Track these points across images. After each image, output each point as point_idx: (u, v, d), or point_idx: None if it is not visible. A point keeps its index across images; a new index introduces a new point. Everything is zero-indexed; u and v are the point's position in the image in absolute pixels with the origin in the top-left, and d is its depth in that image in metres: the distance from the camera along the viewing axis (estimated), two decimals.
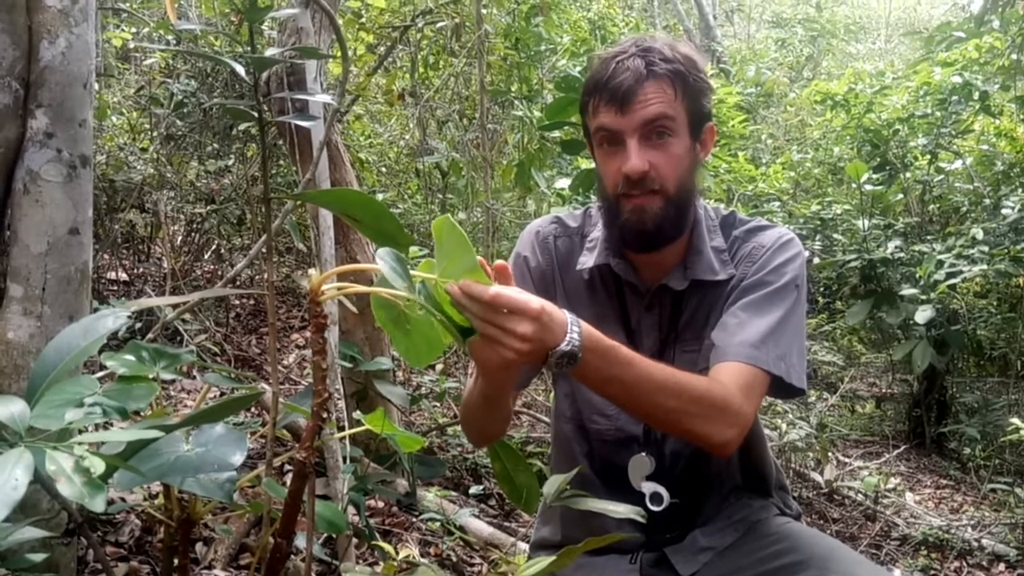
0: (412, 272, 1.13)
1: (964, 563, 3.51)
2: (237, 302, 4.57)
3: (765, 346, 1.39)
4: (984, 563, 3.52)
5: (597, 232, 1.58)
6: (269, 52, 1.37)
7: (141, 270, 4.49)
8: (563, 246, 1.61)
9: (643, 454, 1.54)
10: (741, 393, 1.36)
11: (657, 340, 1.54)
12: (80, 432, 0.94)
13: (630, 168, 1.40)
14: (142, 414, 1.49)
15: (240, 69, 1.38)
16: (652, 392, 1.28)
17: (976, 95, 4.98)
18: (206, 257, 4.66)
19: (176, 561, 1.38)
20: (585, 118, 1.51)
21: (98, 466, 0.83)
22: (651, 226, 1.44)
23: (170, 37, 4.18)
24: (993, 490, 4.32)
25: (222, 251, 4.56)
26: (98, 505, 0.80)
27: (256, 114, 1.31)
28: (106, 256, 4.11)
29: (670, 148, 1.41)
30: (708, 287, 1.50)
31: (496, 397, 1.42)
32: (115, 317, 1.14)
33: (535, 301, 1.13)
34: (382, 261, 1.06)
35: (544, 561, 1.20)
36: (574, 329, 1.19)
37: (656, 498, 1.52)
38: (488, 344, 1.15)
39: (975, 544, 3.61)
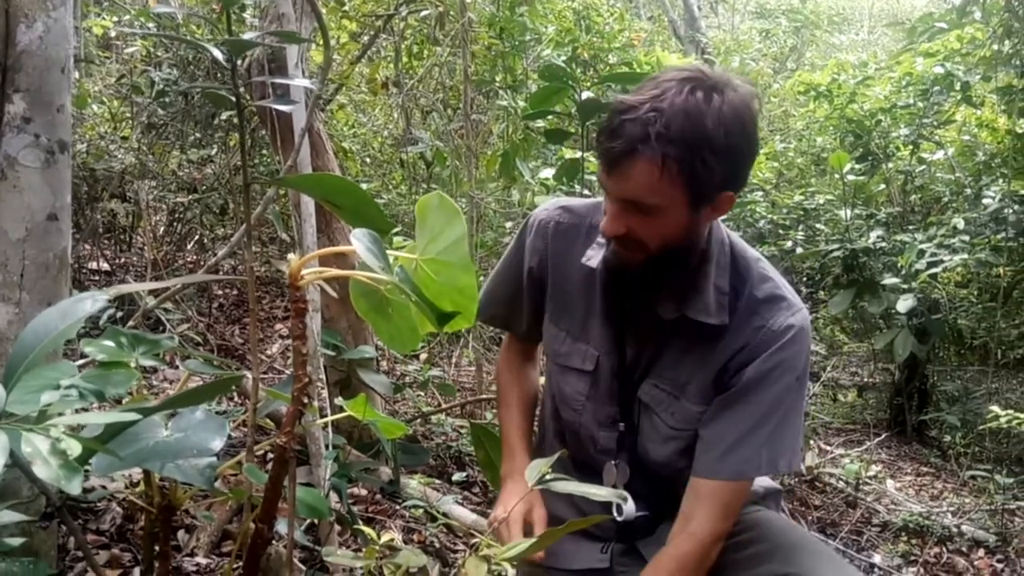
0: (390, 253, 1.13)
1: (944, 549, 3.54)
2: (220, 292, 4.55)
3: (758, 456, 1.41)
4: (964, 549, 3.56)
5: None
6: (247, 36, 1.36)
7: (123, 260, 4.46)
8: (567, 234, 1.57)
9: (614, 463, 1.56)
10: (716, 521, 1.42)
11: (636, 355, 1.52)
12: (57, 415, 0.94)
13: (604, 229, 1.38)
14: (123, 401, 1.48)
15: (218, 53, 1.38)
16: None
17: (958, 86, 5.01)
18: (189, 247, 4.63)
19: (158, 548, 1.37)
20: None
21: (74, 448, 0.82)
22: (628, 274, 1.42)
23: (151, 25, 4.14)
24: (973, 477, 4.37)
25: (205, 241, 4.53)
26: (74, 487, 0.80)
27: (234, 98, 1.30)
28: (87, 246, 4.08)
29: (653, 220, 1.32)
30: (699, 328, 1.43)
31: None
32: (93, 300, 1.13)
33: None
34: (357, 241, 1.06)
35: (525, 543, 1.21)
36: None
37: (620, 509, 1.53)
38: None
39: (955, 530, 3.65)
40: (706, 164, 1.25)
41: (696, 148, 1.24)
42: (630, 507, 1.53)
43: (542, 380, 1.81)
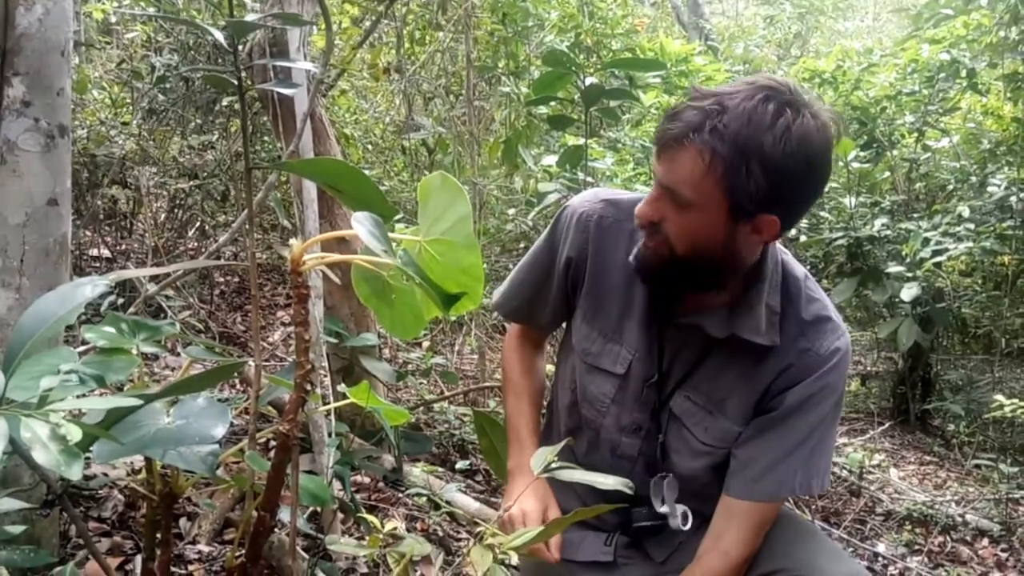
0: (393, 236, 1.11)
1: (948, 538, 3.53)
2: (221, 279, 4.54)
3: (793, 478, 1.41)
4: (968, 538, 3.55)
5: None
6: (249, 18, 1.34)
7: (124, 246, 4.44)
8: (608, 230, 1.51)
9: (670, 476, 1.52)
10: (746, 541, 1.42)
11: (671, 364, 1.49)
12: (58, 401, 0.92)
13: (636, 211, 1.34)
14: (124, 388, 1.47)
15: (219, 35, 1.36)
16: None
17: (964, 73, 4.97)
18: (190, 234, 4.61)
19: (159, 536, 1.36)
20: None
21: (74, 434, 0.81)
22: (652, 270, 1.38)
23: (151, 9, 4.11)
24: (977, 466, 4.36)
25: (206, 227, 4.52)
26: (74, 473, 0.79)
27: (236, 81, 1.28)
28: (88, 232, 4.07)
29: (688, 215, 1.27)
30: (745, 346, 1.40)
31: None
32: (93, 285, 1.12)
33: None
34: (359, 225, 1.04)
35: (531, 531, 1.20)
36: None
37: (685, 518, 1.51)
38: None
39: (959, 519, 3.64)
40: (751, 174, 1.20)
41: (746, 154, 1.19)
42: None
43: (550, 368, 1.80)
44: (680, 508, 1.50)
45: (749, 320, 1.39)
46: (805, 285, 1.44)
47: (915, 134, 5.25)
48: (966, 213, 4.52)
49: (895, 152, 5.37)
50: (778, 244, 1.45)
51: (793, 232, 5.17)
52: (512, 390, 1.70)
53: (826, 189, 1.32)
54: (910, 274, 4.44)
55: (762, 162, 1.19)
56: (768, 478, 1.41)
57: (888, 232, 4.86)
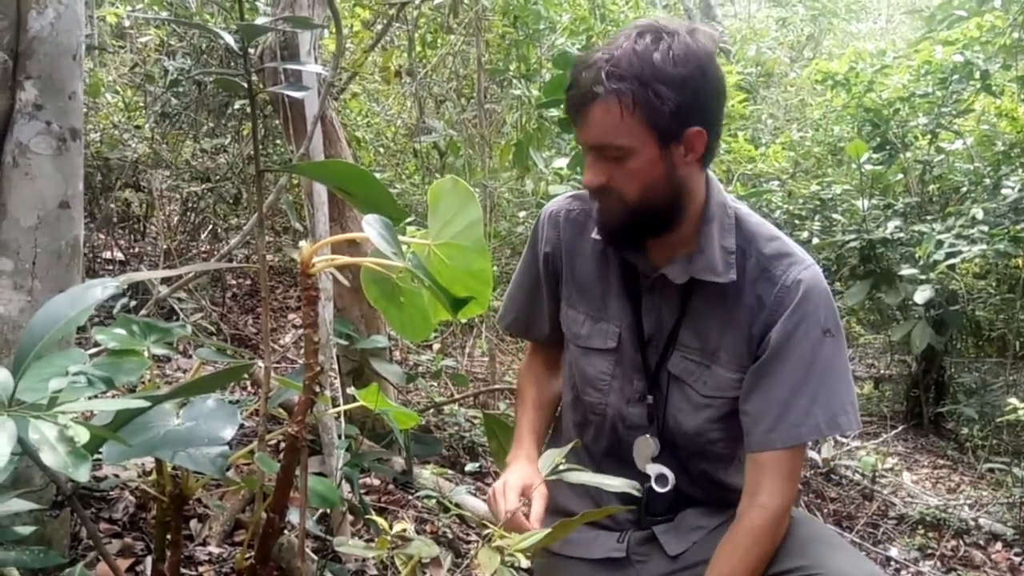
0: (403, 239, 1.11)
1: (961, 542, 3.51)
2: (233, 282, 4.55)
3: (812, 418, 1.40)
4: (981, 542, 3.53)
5: None
6: (259, 21, 1.34)
7: (136, 249, 4.47)
8: (576, 219, 1.60)
9: (647, 436, 1.55)
10: (780, 490, 1.42)
11: (656, 325, 1.52)
12: (67, 403, 0.93)
13: (585, 183, 1.42)
14: (135, 390, 1.48)
15: (230, 39, 1.36)
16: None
17: (977, 74, 4.94)
18: (202, 236, 4.63)
19: (169, 537, 1.37)
20: None
21: (82, 435, 0.81)
22: (614, 229, 1.45)
23: (164, 13, 4.13)
24: (991, 470, 4.33)
25: (218, 230, 4.53)
26: (82, 475, 0.79)
27: (246, 84, 1.28)
28: (101, 235, 4.09)
29: (627, 165, 1.35)
30: (711, 289, 1.45)
31: None
32: (104, 287, 1.12)
33: None
34: (369, 227, 1.05)
35: (539, 533, 1.19)
36: None
37: (661, 479, 1.53)
38: None
39: (972, 523, 3.61)
40: (659, 95, 1.29)
41: (646, 81, 1.29)
42: (659, 472, 1.52)
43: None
44: (656, 469, 1.52)
45: (703, 261, 1.44)
46: (763, 227, 1.49)
47: (928, 136, 5.22)
48: (980, 215, 4.49)
49: (908, 154, 5.34)
50: (730, 195, 1.51)
51: (805, 235, 5.15)
52: (519, 401, 1.75)
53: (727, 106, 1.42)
54: (923, 277, 4.41)
55: (663, 82, 1.29)
56: (783, 424, 1.41)
57: (901, 234, 4.84)
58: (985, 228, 4.40)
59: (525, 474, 1.52)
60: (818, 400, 1.41)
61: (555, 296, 1.65)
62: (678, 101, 1.30)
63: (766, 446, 1.42)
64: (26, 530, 1.21)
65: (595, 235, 1.53)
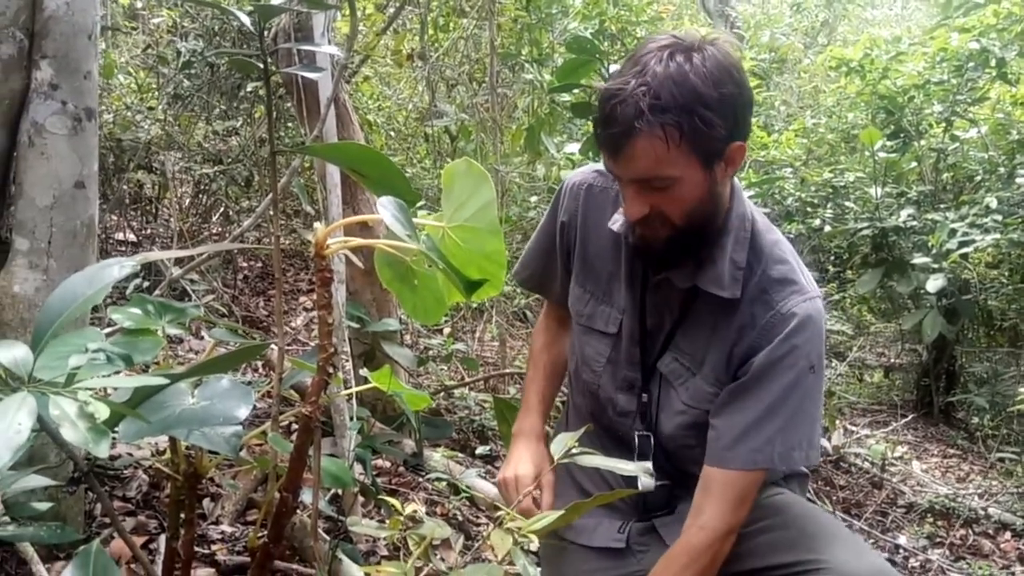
0: (417, 221, 1.12)
1: (970, 531, 3.51)
2: (245, 264, 4.57)
3: (770, 447, 1.39)
4: (990, 531, 3.53)
5: None
6: (275, 1, 1.34)
7: (149, 231, 4.48)
8: (597, 197, 1.58)
9: (639, 435, 1.56)
10: (728, 513, 1.40)
11: (657, 323, 1.52)
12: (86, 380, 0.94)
13: (627, 215, 1.39)
14: (149, 370, 1.49)
15: (245, 19, 1.36)
16: None
17: (993, 62, 4.90)
18: (214, 219, 4.65)
19: (183, 516, 1.38)
20: None
21: (102, 412, 0.82)
22: (655, 255, 1.43)
23: None
24: (1001, 459, 4.32)
25: (230, 213, 4.55)
26: (102, 450, 0.80)
27: (261, 64, 1.29)
28: (114, 216, 4.11)
29: (672, 192, 1.32)
30: (712, 299, 1.44)
31: None
32: (120, 266, 1.13)
33: None
34: (383, 209, 1.05)
35: (550, 516, 1.20)
36: None
37: (649, 475, 1.52)
38: None
39: (981, 512, 3.61)
40: (706, 121, 1.26)
41: (692, 109, 1.25)
42: (647, 481, 1.51)
43: None
44: (646, 465, 1.51)
45: (711, 272, 1.42)
46: (776, 247, 1.46)
47: (943, 124, 5.18)
48: (994, 204, 4.46)
49: (922, 142, 5.31)
50: (751, 203, 1.49)
51: (817, 222, 5.13)
52: (531, 362, 1.77)
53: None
54: (936, 265, 4.39)
55: (707, 106, 1.26)
56: (742, 446, 1.40)
57: (914, 223, 4.81)
58: (999, 217, 4.38)
59: (535, 460, 1.53)
60: (783, 431, 1.39)
61: (566, 266, 1.66)
62: (722, 123, 1.28)
63: (720, 463, 1.42)
64: (43, 506, 1.22)
65: (613, 226, 1.50)
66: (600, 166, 1.59)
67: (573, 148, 3.94)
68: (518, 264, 1.77)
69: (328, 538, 2.11)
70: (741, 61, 1.35)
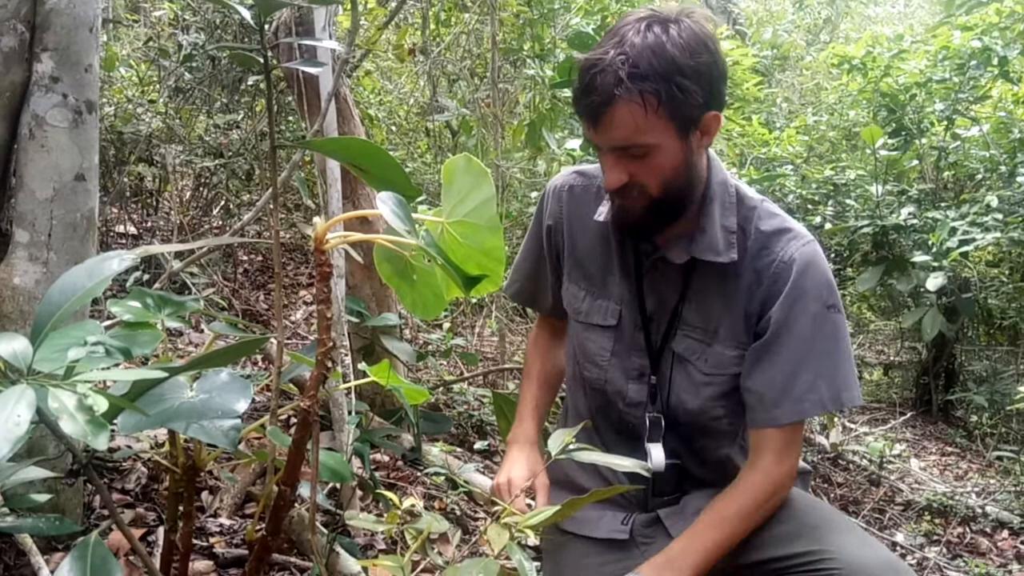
0: (416, 217, 1.12)
1: (967, 529, 3.51)
2: (245, 257, 4.57)
3: (816, 393, 1.42)
4: (987, 529, 3.53)
5: None
6: None
7: (149, 224, 4.49)
8: (579, 196, 1.62)
9: (650, 416, 1.56)
10: (785, 458, 1.45)
11: (659, 305, 1.53)
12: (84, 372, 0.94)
13: (605, 184, 1.41)
14: (148, 363, 1.49)
15: (246, 13, 1.36)
16: (732, 538, 1.42)
17: (995, 60, 4.89)
18: (214, 212, 4.65)
19: (182, 508, 1.39)
20: None
21: (101, 404, 0.82)
22: (633, 224, 1.45)
23: None
24: (999, 458, 4.32)
25: (231, 206, 4.55)
26: (101, 443, 0.80)
27: (262, 59, 1.29)
28: (114, 209, 4.11)
29: (650, 160, 1.36)
30: (711, 268, 1.46)
31: None
32: (120, 259, 1.13)
33: None
34: (383, 204, 1.05)
35: (547, 511, 1.20)
36: None
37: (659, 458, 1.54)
38: None
39: (979, 511, 3.62)
40: (683, 89, 1.30)
41: (669, 77, 1.29)
42: (659, 456, 1.53)
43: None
44: (655, 447, 1.54)
45: (704, 241, 1.45)
46: (762, 205, 1.50)
47: (945, 122, 5.18)
48: (994, 203, 4.46)
49: (924, 140, 5.30)
50: (729, 172, 1.52)
51: (817, 220, 5.13)
52: (525, 375, 1.78)
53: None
54: (936, 264, 4.39)
55: (683, 74, 1.30)
56: (786, 401, 1.42)
57: (915, 221, 4.81)
58: (999, 216, 4.38)
59: (528, 465, 1.54)
60: (822, 375, 1.42)
61: (556, 271, 1.67)
62: (700, 91, 1.32)
63: (770, 423, 1.44)
64: (41, 498, 1.22)
65: (599, 217, 1.55)
66: (580, 167, 1.66)
67: (574, 144, 3.94)
68: (509, 278, 1.78)
69: (326, 531, 2.11)
70: (716, 34, 1.38)
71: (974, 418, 5.03)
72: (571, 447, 1.30)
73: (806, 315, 1.41)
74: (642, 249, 1.53)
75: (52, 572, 1.63)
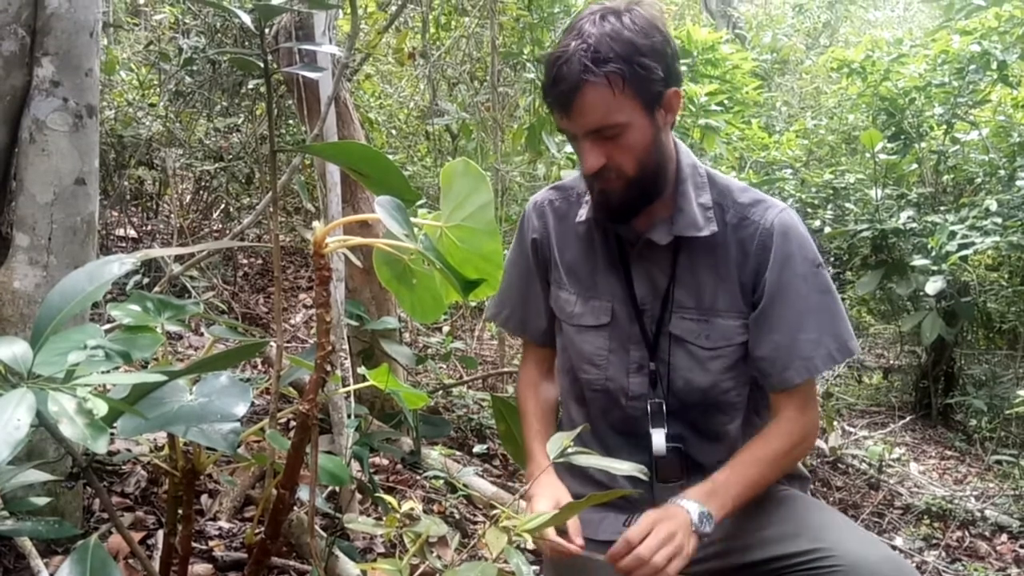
0: (415, 221, 1.12)
1: (967, 533, 3.51)
2: (245, 261, 4.58)
3: (821, 347, 1.48)
4: (987, 533, 3.53)
5: None
6: (276, 0, 1.35)
7: (150, 227, 4.49)
8: (559, 208, 1.67)
9: (651, 402, 1.57)
10: (806, 411, 1.54)
11: (650, 292, 1.56)
12: (84, 376, 0.94)
13: (586, 169, 1.46)
14: (148, 366, 1.49)
15: (246, 18, 1.37)
16: (765, 478, 1.48)
17: (994, 64, 4.90)
18: (214, 215, 4.65)
19: (181, 512, 1.39)
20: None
21: (100, 408, 0.83)
22: (616, 206, 1.50)
23: None
24: (998, 462, 4.32)
25: (231, 210, 4.55)
26: (100, 446, 0.80)
27: (262, 63, 1.29)
28: (115, 212, 4.11)
29: (623, 140, 1.42)
30: (696, 245, 1.51)
31: None
32: (121, 263, 1.14)
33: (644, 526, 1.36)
34: (381, 208, 1.05)
35: (546, 515, 1.21)
36: (683, 503, 1.38)
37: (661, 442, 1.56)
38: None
39: (978, 515, 3.62)
40: (644, 67, 1.39)
41: (629, 57, 1.38)
42: (659, 441, 1.55)
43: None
44: (657, 433, 1.56)
45: (684, 220, 1.51)
46: (733, 182, 1.58)
47: (944, 126, 5.19)
48: (994, 207, 4.47)
49: (923, 144, 5.31)
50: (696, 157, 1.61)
51: (817, 223, 5.13)
52: (521, 414, 1.76)
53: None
54: (935, 267, 4.39)
55: (642, 53, 1.39)
56: (795, 361, 1.48)
57: (914, 225, 4.81)
58: (999, 220, 4.38)
59: (552, 496, 1.51)
60: (824, 329, 1.49)
61: (546, 284, 1.69)
62: (659, 68, 1.41)
63: (785, 384, 1.50)
64: (41, 501, 1.22)
65: (579, 219, 1.60)
66: (557, 183, 1.71)
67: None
68: (494, 305, 1.77)
69: (325, 535, 2.11)
70: (664, 18, 1.48)
71: (973, 422, 5.03)
72: (570, 451, 1.30)
73: (797, 277, 1.48)
74: (626, 239, 1.56)
75: (52, 575, 1.63)
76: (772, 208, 1.52)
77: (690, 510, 1.37)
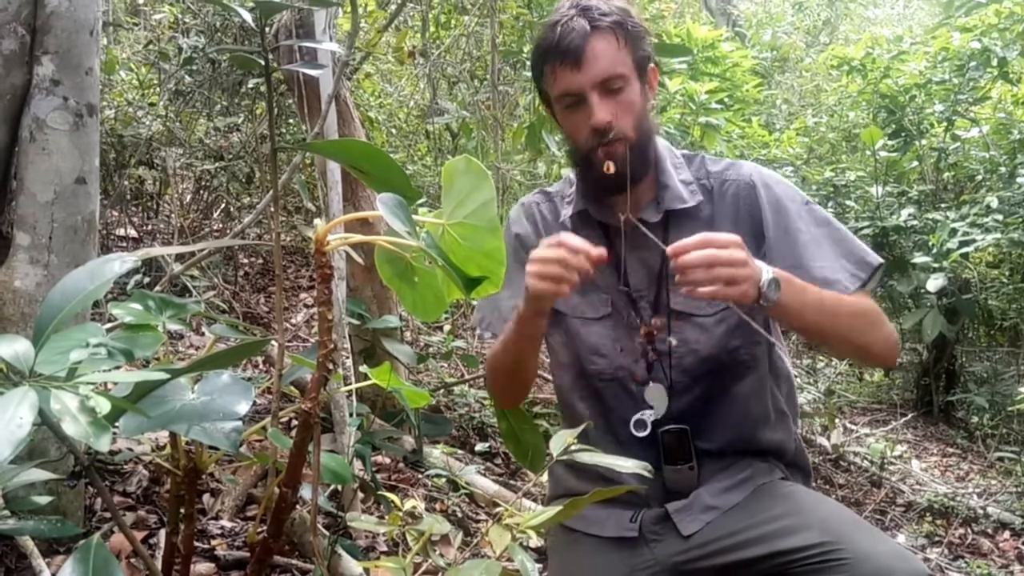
0: (416, 218, 1.12)
1: (969, 530, 3.51)
2: (246, 260, 4.57)
3: (839, 270, 1.51)
4: (989, 530, 3.53)
5: (574, 190, 1.64)
6: None
7: (150, 227, 4.49)
8: (547, 211, 1.70)
9: (659, 386, 1.57)
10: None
11: (645, 279, 1.57)
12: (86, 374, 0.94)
13: (596, 121, 1.48)
14: (150, 365, 1.49)
15: (246, 15, 1.37)
16: (837, 313, 1.46)
17: (995, 61, 4.90)
18: (215, 215, 4.65)
19: (183, 511, 1.38)
20: (542, 86, 1.57)
21: (103, 406, 0.82)
22: (618, 170, 1.51)
23: None
24: (1000, 459, 4.32)
25: (231, 209, 4.55)
26: (103, 445, 0.80)
27: (262, 61, 1.29)
28: (115, 212, 4.11)
29: (625, 96, 1.49)
30: (685, 221, 1.55)
31: (527, 356, 1.59)
32: (122, 262, 1.13)
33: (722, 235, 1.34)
34: (383, 205, 1.05)
35: (549, 511, 1.20)
36: (757, 262, 1.35)
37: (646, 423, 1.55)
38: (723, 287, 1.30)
39: (980, 511, 3.62)
40: (635, 27, 1.49)
41: (624, 19, 1.48)
42: (659, 394, 1.55)
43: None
44: (659, 387, 1.57)
45: (670, 194, 1.57)
46: (704, 156, 1.65)
47: (944, 123, 5.19)
48: (995, 204, 4.46)
49: (924, 141, 5.31)
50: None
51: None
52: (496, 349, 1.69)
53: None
54: (936, 265, 4.39)
55: (632, 17, 1.50)
56: (835, 284, 1.49)
57: (915, 222, 4.81)
58: (1000, 217, 4.38)
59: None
60: (838, 255, 1.52)
61: None
62: (644, 35, 1.51)
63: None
64: (43, 500, 1.22)
65: (565, 218, 1.62)
66: (542, 189, 1.74)
67: None
68: (484, 318, 1.71)
69: (327, 534, 2.11)
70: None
71: (975, 419, 5.03)
72: (573, 448, 1.30)
73: (792, 218, 1.54)
74: (614, 225, 1.56)
75: (54, 575, 1.63)
76: (743, 166, 1.60)
77: (762, 268, 1.36)
